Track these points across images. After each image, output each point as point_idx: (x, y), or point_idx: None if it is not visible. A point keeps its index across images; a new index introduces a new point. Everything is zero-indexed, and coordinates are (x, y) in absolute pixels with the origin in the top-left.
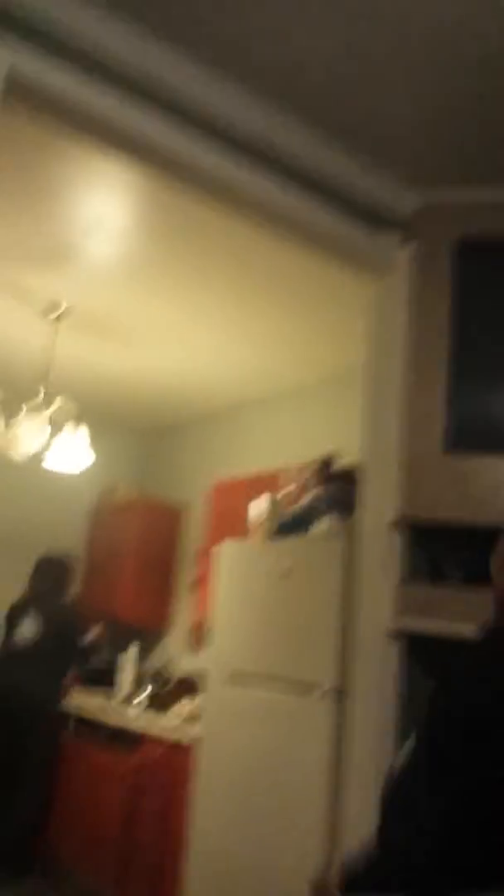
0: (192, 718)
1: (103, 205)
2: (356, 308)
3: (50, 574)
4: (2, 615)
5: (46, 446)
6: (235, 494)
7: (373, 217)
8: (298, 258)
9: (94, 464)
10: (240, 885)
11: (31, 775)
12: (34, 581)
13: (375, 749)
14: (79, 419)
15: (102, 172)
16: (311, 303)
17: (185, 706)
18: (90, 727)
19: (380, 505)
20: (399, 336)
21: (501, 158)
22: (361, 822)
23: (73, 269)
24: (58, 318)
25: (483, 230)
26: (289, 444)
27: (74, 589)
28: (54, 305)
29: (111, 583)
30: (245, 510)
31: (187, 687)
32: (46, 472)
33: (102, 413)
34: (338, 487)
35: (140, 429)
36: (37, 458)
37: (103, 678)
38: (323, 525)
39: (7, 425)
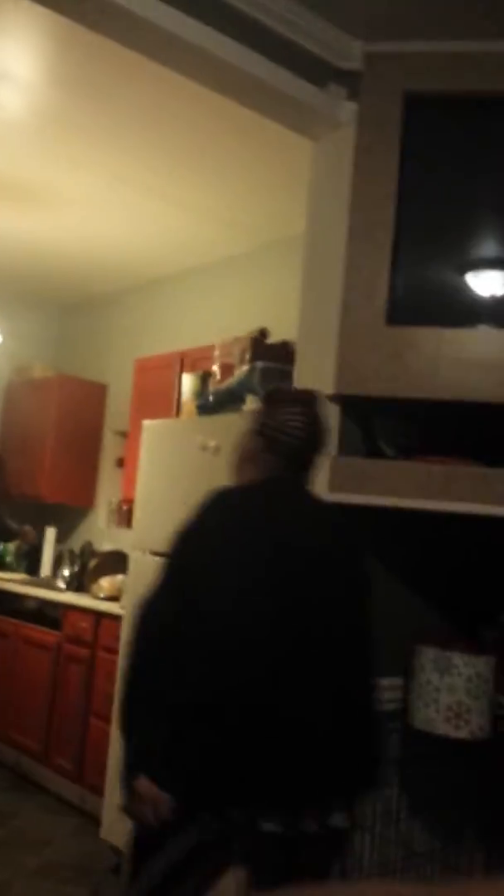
0: (117, 594)
1: (11, 54)
2: (294, 170)
3: None
4: None
5: None
6: (160, 372)
7: (317, 69)
8: (232, 115)
9: (6, 342)
10: None
11: None
12: None
13: None
14: None
15: (11, 17)
16: (245, 166)
17: (108, 582)
18: (14, 605)
19: (316, 379)
20: (342, 199)
21: (455, 7)
22: None
23: None
24: None
25: (434, 84)
26: (215, 320)
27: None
28: None
29: (32, 462)
30: (170, 388)
31: (112, 565)
32: None
33: (16, 288)
34: (271, 363)
35: (57, 304)
36: None
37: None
38: (255, 401)
39: None
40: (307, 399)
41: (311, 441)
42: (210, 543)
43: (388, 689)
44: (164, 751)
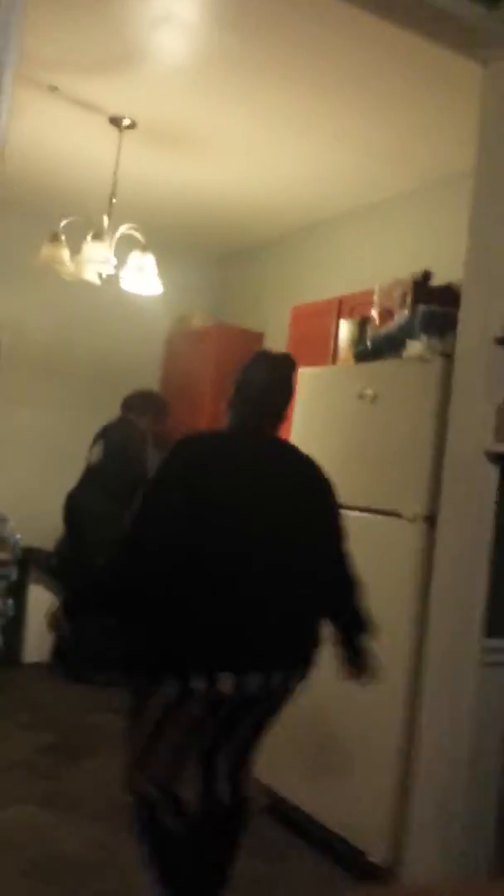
0: None
1: None
2: (462, 100)
3: (147, 408)
4: (87, 440)
5: (117, 271)
6: (317, 319)
7: None
8: (395, 43)
9: (167, 292)
10: (317, 701)
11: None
12: (131, 414)
13: (467, 573)
14: (146, 246)
15: None
16: (410, 97)
17: None
18: None
19: (483, 322)
20: None
21: None
22: (448, 640)
23: (140, 74)
24: (124, 131)
25: None
26: (375, 263)
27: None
28: (121, 117)
29: (189, 409)
30: (327, 335)
31: None
32: (120, 301)
33: (174, 239)
34: (434, 307)
35: (214, 253)
36: (113, 282)
37: None
38: (417, 347)
39: (76, 251)
40: (276, 358)
41: (270, 393)
42: (158, 472)
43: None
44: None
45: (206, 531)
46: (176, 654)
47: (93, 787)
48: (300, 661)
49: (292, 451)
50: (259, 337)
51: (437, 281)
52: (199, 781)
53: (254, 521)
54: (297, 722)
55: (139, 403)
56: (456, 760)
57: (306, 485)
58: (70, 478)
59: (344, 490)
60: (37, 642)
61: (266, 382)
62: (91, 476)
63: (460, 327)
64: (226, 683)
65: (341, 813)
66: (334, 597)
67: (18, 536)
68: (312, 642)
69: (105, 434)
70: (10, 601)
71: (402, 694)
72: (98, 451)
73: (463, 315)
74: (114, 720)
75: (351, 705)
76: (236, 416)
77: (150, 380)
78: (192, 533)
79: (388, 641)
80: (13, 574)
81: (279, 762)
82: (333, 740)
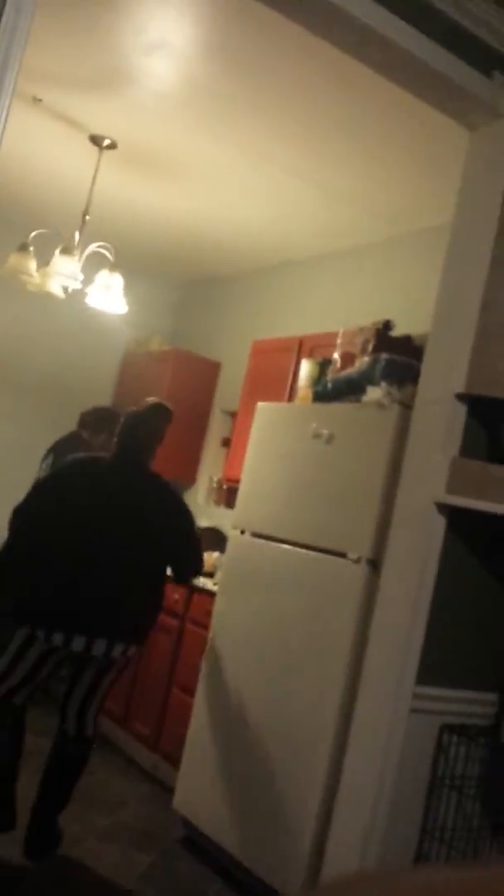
0: (210, 570)
1: (169, 23)
2: (440, 160)
3: (102, 426)
4: (37, 453)
5: (83, 287)
6: (276, 355)
7: (484, 56)
8: (386, 99)
9: (129, 311)
10: (243, 734)
11: None
12: (85, 431)
13: (405, 619)
14: (115, 265)
15: None
16: (392, 151)
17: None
18: None
19: (446, 375)
20: (496, 193)
21: None
22: (381, 685)
23: (126, 96)
24: (104, 151)
25: None
26: (337, 308)
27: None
28: (102, 136)
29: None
30: (285, 372)
31: (207, 541)
32: (81, 317)
33: (143, 259)
34: (395, 356)
35: (180, 279)
36: (77, 297)
37: None
38: (376, 393)
39: (43, 263)
40: (153, 409)
41: (135, 437)
42: (50, 471)
43: (479, 703)
44: None
45: (57, 520)
46: (28, 608)
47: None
48: (120, 635)
49: (149, 478)
50: (216, 366)
51: (397, 332)
52: (58, 717)
53: (94, 520)
54: (220, 755)
55: (93, 421)
56: (378, 802)
57: (149, 502)
58: (19, 491)
59: (291, 526)
60: None
61: (134, 427)
62: None
63: (422, 378)
64: (57, 638)
65: (259, 850)
66: (147, 597)
67: None
68: (133, 622)
69: (55, 449)
70: None
71: (331, 732)
72: (46, 467)
73: (426, 367)
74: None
75: (277, 741)
76: (114, 447)
77: (103, 397)
78: (49, 518)
79: (322, 676)
80: None
81: (199, 794)
82: (256, 775)
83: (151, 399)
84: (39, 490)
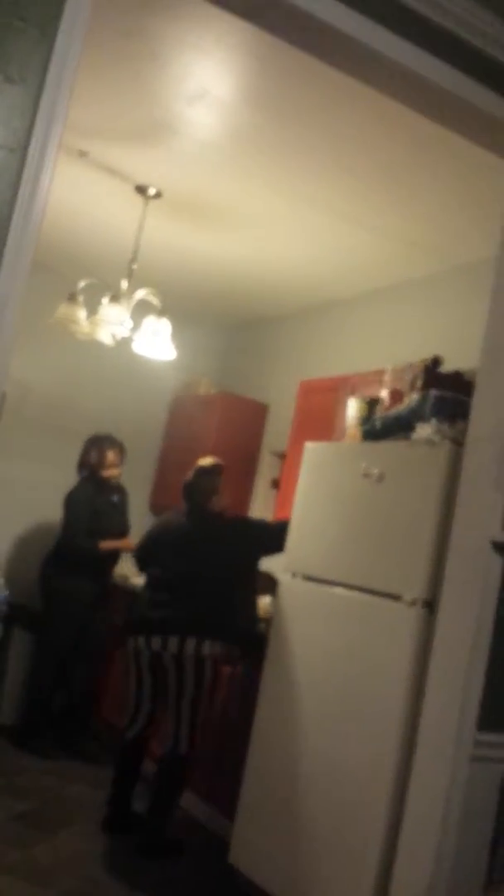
0: (262, 616)
1: (211, 72)
2: (480, 192)
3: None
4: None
5: (131, 334)
6: (324, 395)
7: None
8: (423, 135)
9: (176, 356)
10: (299, 784)
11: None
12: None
13: (463, 663)
14: (162, 311)
15: (216, 33)
16: (432, 187)
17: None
18: None
19: (497, 410)
20: None
21: None
22: (440, 732)
23: (169, 146)
24: (150, 200)
25: None
26: (384, 346)
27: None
28: (147, 186)
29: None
30: (332, 411)
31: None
32: (129, 363)
33: (189, 304)
34: (445, 392)
35: (226, 323)
36: (125, 344)
37: None
38: (426, 430)
39: (91, 312)
40: (205, 467)
41: (191, 491)
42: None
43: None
44: None
45: (152, 555)
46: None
47: (65, 861)
48: (188, 634)
49: (206, 517)
50: (263, 408)
51: (445, 367)
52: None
53: (167, 553)
54: (276, 806)
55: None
56: (440, 854)
57: (202, 536)
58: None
59: (343, 568)
60: (15, 703)
61: (194, 482)
62: None
63: (473, 414)
64: (139, 642)
65: None
66: (208, 602)
67: (6, 593)
68: (196, 623)
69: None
70: None
71: (390, 781)
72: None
73: (476, 402)
74: (90, 793)
75: (334, 791)
76: (182, 503)
77: (153, 441)
78: (148, 556)
79: (379, 723)
80: None
81: (255, 847)
82: (313, 827)
83: (201, 461)
84: (146, 536)
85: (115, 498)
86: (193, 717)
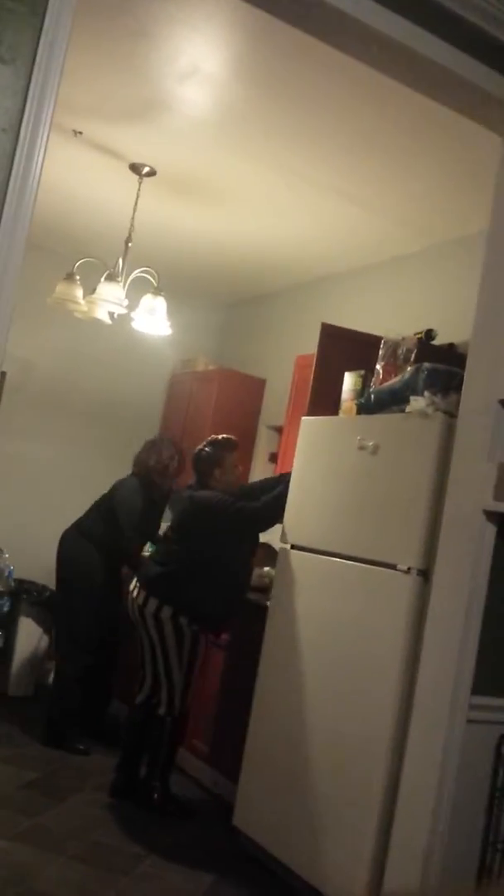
0: (261, 586)
1: (202, 49)
2: (473, 168)
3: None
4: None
5: (128, 312)
6: None
7: None
8: (416, 111)
9: (174, 334)
10: (300, 748)
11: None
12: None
13: (458, 629)
14: (159, 289)
15: (207, 10)
16: (425, 163)
17: (254, 574)
18: None
19: (489, 382)
20: None
21: None
22: (436, 696)
23: (163, 124)
24: (144, 179)
25: None
26: (379, 320)
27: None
28: (141, 164)
29: (187, 452)
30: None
31: (258, 557)
32: (127, 341)
33: (185, 282)
34: (438, 365)
35: (223, 299)
36: (123, 322)
37: None
38: (420, 402)
39: (89, 291)
40: (210, 438)
41: (194, 462)
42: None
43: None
44: None
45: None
46: None
47: (74, 827)
48: (151, 594)
49: (201, 493)
50: (261, 383)
51: (439, 340)
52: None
53: (173, 519)
54: (277, 770)
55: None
56: (437, 815)
57: (194, 509)
58: (67, 511)
59: (339, 539)
60: (23, 676)
61: (196, 454)
62: None
63: (465, 386)
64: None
65: (319, 865)
66: (185, 571)
67: (12, 568)
68: (166, 587)
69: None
70: (0, 633)
71: (387, 746)
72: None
73: (468, 374)
74: (98, 760)
75: (333, 755)
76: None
77: (152, 417)
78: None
79: (376, 689)
80: (6, 605)
81: (258, 810)
82: (313, 789)
83: (214, 437)
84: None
85: (159, 500)
86: (168, 676)
